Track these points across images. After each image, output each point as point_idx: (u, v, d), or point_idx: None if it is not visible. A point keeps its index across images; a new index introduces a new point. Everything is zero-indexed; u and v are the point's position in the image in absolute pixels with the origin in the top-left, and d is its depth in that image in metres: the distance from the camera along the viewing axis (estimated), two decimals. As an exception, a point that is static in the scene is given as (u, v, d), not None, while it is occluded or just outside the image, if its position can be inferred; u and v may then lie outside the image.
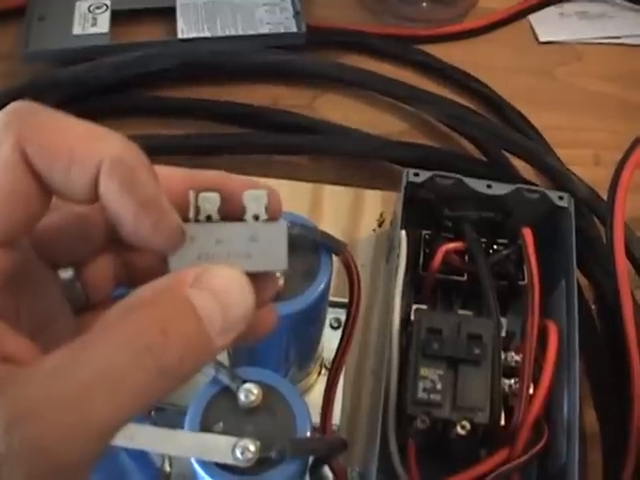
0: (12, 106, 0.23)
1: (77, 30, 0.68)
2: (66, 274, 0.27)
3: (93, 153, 0.23)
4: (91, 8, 0.70)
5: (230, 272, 0.24)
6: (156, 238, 0.24)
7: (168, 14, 0.71)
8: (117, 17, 0.70)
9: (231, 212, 0.26)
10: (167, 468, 0.45)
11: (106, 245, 0.28)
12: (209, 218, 0.25)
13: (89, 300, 0.28)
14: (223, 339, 0.23)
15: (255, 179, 0.27)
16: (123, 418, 0.21)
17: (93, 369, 0.21)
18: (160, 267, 0.27)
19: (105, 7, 0.70)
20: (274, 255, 0.26)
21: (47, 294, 0.26)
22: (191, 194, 0.25)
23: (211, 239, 0.25)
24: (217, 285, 0.24)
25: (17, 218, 0.23)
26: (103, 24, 0.69)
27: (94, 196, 0.24)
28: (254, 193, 0.26)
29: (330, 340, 0.48)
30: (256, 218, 0.26)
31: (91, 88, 0.64)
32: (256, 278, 0.25)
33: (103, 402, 0.21)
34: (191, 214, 0.25)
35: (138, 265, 0.29)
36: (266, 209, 0.26)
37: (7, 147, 0.23)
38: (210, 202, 0.25)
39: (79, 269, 0.28)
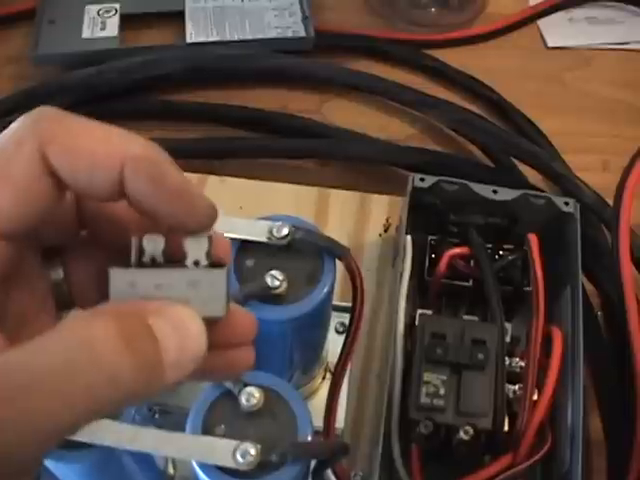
0: (37, 110, 0.24)
1: (86, 34, 0.69)
2: (56, 274, 0.28)
3: (114, 154, 0.24)
4: (100, 12, 0.71)
5: (189, 311, 0.25)
6: (192, 220, 0.25)
7: (177, 18, 0.72)
8: (126, 21, 0.71)
9: (177, 253, 0.26)
10: (170, 471, 0.45)
11: (89, 248, 0.28)
12: (154, 260, 0.26)
13: (73, 301, 0.28)
14: (174, 372, 0.24)
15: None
16: (72, 420, 0.21)
17: (48, 362, 0.21)
18: None
19: (114, 11, 0.71)
20: (212, 301, 0.26)
21: (35, 289, 0.27)
22: (133, 239, 0.25)
23: (151, 284, 0.25)
24: (177, 320, 0.24)
25: (27, 215, 0.24)
26: (112, 28, 0.70)
27: (118, 194, 0.24)
28: (195, 239, 0.26)
29: (335, 344, 0.48)
30: (196, 264, 0.26)
31: (100, 92, 0.64)
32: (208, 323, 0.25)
33: (53, 398, 0.21)
34: (133, 258, 0.25)
35: None
36: (207, 255, 0.26)
37: (29, 147, 0.23)
38: (154, 244, 0.25)
39: (64, 269, 0.28)
